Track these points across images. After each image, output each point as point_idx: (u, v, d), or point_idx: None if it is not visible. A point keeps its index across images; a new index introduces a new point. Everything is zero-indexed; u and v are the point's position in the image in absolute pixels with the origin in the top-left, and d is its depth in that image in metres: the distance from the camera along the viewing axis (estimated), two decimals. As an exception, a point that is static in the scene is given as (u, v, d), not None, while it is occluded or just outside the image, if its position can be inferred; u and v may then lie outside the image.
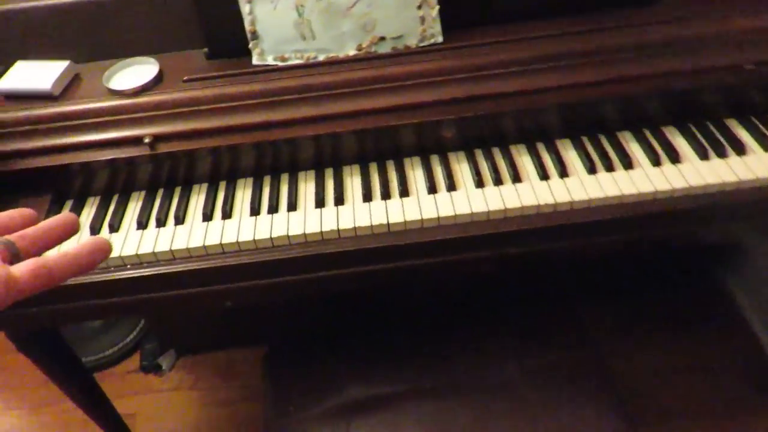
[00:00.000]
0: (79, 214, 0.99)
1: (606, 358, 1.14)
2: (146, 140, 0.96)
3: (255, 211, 0.97)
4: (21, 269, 0.40)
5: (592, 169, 0.97)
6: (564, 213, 0.94)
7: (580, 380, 1.10)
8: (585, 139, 1.03)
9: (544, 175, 0.97)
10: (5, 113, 0.98)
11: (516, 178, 0.97)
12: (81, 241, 0.46)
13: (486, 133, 1.03)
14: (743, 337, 1.46)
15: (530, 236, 0.94)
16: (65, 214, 0.46)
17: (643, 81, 0.98)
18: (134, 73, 1.03)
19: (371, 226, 0.93)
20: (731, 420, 1.44)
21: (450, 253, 0.95)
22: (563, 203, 0.93)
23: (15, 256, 0.41)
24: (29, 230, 0.43)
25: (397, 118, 0.98)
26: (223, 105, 0.99)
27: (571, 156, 1.00)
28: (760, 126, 1.01)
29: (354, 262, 0.94)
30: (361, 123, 0.98)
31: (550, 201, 0.93)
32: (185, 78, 1.02)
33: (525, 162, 1.00)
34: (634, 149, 1.00)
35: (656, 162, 0.97)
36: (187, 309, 1.58)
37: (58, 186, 1.00)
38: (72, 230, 0.45)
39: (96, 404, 1.35)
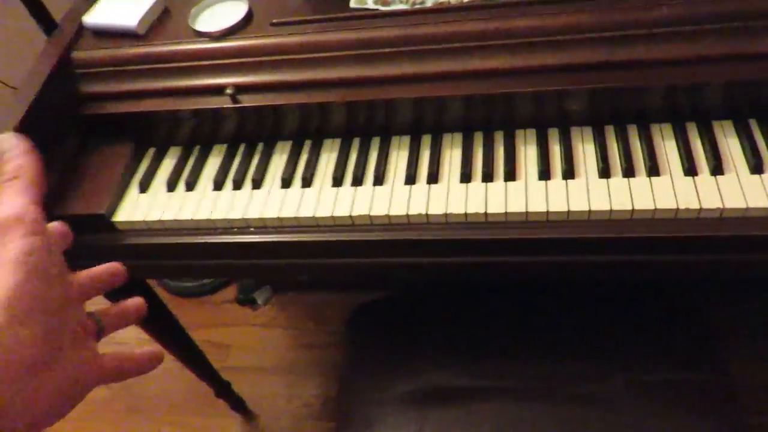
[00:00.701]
0: (158, 165, 0.94)
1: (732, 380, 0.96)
2: (228, 90, 0.87)
3: (338, 181, 0.86)
4: (108, 362, 0.40)
5: (757, 167, 0.76)
6: (712, 221, 0.75)
7: (700, 402, 0.94)
8: (753, 124, 0.81)
9: (690, 169, 0.77)
10: (89, 52, 0.93)
11: (653, 169, 0.78)
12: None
13: (622, 109, 0.83)
14: None
15: (655, 246, 0.76)
16: (137, 300, 0.47)
17: None
18: (222, 13, 0.93)
19: (465, 213, 0.79)
20: None
21: (560, 253, 0.80)
22: (711, 209, 0.74)
23: (101, 330, 0.43)
24: (113, 309, 0.45)
25: (515, 84, 0.82)
26: (312, 55, 0.86)
27: (730, 145, 0.79)
28: None
29: (442, 252, 0.82)
30: (469, 87, 0.83)
31: (691, 205, 0.74)
32: (274, 21, 0.90)
33: (668, 149, 0.80)
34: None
35: None
36: (261, 276, 1.55)
37: (140, 133, 0.94)
38: (140, 316, 0.47)
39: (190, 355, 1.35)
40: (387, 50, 0.85)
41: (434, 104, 0.85)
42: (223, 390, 1.48)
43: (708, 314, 1.02)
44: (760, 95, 0.79)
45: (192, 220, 0.86)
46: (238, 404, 1.53)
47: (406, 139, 0.89)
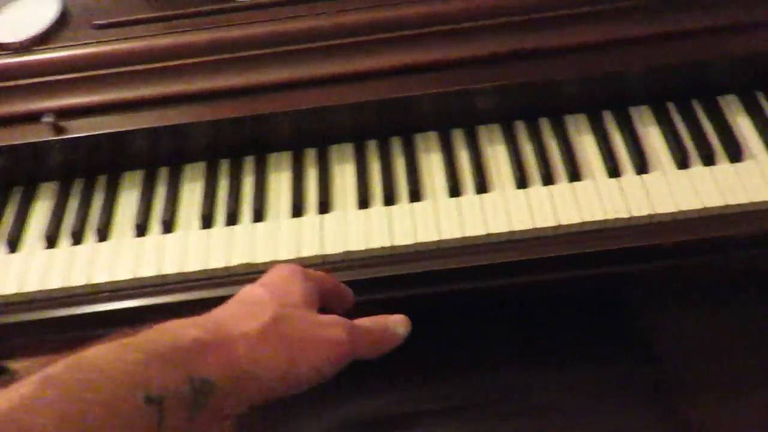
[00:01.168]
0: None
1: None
2: (46, 118, 0.67)
3: (207, 221, 0.69)
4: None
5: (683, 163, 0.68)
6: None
7: (628, 392, 0.89)
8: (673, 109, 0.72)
9: (614, 171, 0.68)
10: None
11: (574, 174, 0.68)
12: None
13: (534, 103, 0.72)
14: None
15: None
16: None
17: None
18: (26, 15, 0.71)
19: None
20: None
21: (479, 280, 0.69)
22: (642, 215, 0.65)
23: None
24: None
25: (414, 86, 0.68)
26: (152, 65, 0.68)
27: (652, 136, 0.71)
28: None
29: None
30: (359, 91, 0.68)
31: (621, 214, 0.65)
32: (97, 22, 0.70)
33: (586, 144, 0.71)
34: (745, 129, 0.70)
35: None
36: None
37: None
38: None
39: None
40: (250, 53, 0.68)
41: (318, 115, 0.70)
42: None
43: (633, 305, 0.97)
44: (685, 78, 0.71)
45: (21, 293, 0.66)
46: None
47: (287, 157, 0.73)
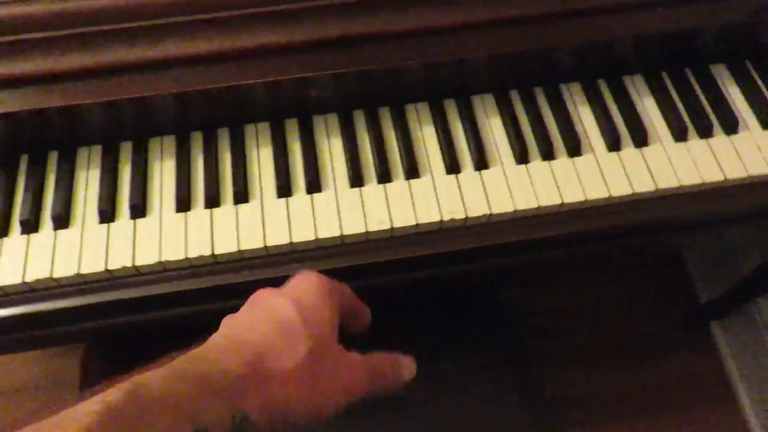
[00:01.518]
0: None
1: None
2: None
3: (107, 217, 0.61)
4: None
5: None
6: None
7: (493, 382, 0.90)
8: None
9: (452, 167, 0.65)
10: None
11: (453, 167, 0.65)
12: None
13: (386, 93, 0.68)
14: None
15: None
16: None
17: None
18: None
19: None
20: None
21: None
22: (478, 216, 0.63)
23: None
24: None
25: (234, 75, 0.61)
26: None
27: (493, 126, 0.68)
28: None
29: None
30: (167, 83, 0.61)
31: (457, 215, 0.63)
32: None
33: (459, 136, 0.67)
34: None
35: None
36: None
37: None
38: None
39: None
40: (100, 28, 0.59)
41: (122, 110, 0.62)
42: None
43: (498, 296, 0.97)
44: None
45: None
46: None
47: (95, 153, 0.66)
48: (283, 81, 0.63)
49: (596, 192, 0.63)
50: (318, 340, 0.39)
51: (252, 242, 0.60)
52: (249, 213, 0.62)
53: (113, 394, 0.31)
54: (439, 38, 0.64)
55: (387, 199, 0.63)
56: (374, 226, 0.61)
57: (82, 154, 0.66)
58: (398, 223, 0.61)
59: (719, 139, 0.67)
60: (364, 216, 0.62)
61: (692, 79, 0.71)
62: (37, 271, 0.59)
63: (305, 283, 0.42)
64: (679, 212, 0.65)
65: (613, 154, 0.66)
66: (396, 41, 0.63)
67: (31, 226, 0.61)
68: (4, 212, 0.62)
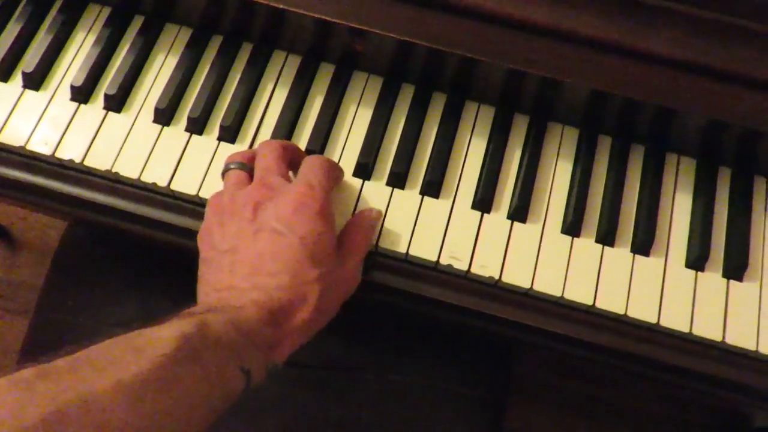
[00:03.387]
0: None
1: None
2: None
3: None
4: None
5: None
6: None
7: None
8: None
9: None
10: None
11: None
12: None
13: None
14: None
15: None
16: None
17: None
18: None
19: None
20: None
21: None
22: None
23: None
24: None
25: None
26: None
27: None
28: None
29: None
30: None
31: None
32: None
33: (676, 208, 0.52)
34: None
35: None
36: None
37: None
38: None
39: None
40: None
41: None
42: None
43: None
44: None
45: None
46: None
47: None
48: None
49: None
50: (325, 270, 0.44)
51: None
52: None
53: (187, 326, 0.37)
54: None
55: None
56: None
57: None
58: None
59: None
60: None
61: None
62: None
63: (305, 198, 0.44)
64: None
65: None
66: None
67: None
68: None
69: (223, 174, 0.49)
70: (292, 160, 0.50)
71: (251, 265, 0.43)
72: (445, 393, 0.77)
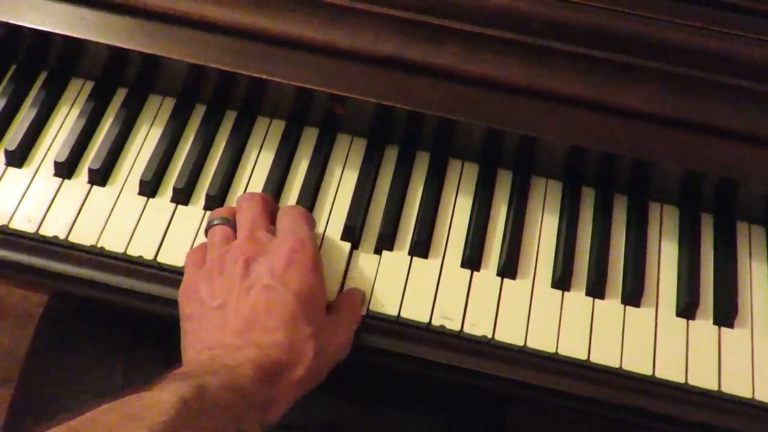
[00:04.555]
0: None
1: None
2: None
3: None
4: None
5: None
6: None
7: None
8: None
9: (684, 306, 0.51)
10: None
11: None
12: None
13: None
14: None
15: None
16: None
17: None
18: None
19: None
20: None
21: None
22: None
23: None
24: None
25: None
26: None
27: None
28: None
29: None
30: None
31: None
32: None
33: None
34: None
35: None
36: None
37: None
38: None
39: None
40: None
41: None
42: None
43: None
44: None
45: None
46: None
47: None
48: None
49: None
50: (318, 327, 0.44)
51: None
52: (424, 274, 0.51)
53: (185, 389, 0.36)
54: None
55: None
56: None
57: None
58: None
59: None
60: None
61: None
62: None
63: (297, 254, 0.44)
64: None
65: None
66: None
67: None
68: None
69: (207, 230, 0.49)
70: (271, 212, 0.50)
71: (245, 322, 0.43)
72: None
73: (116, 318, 0.78)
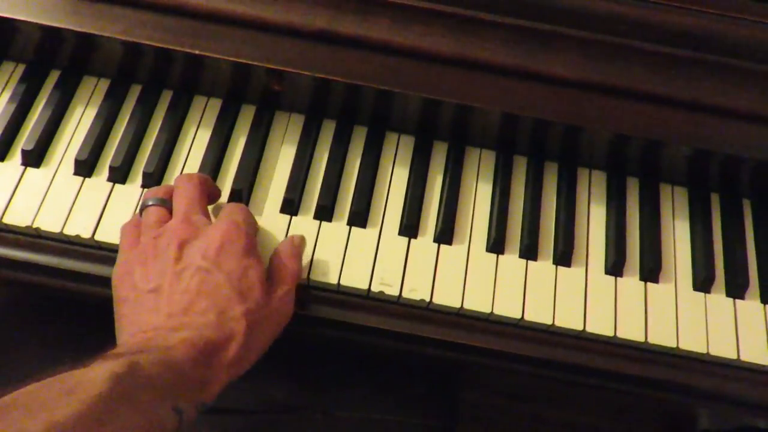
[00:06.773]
0: None
1: None
2: None
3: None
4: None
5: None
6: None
7: None
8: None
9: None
10: None
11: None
12: None
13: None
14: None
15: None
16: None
17: None
18: None
19: None
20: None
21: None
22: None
23: None
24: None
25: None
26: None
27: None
28: None
29: None
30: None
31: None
32: None
33: (592, 219, 0.55)
34: None
35: None
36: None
37: None
38: None
39: None
40: None
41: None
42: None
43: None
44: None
45: None
46: None
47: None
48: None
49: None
50: (253, 305, 0.44)
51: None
52: (363, 243, 0.52)
53: (118, 366, 0.37)
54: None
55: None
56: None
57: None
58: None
59: None
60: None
61: None
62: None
63: (231, 236, 0.45)
64: None
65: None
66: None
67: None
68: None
69: (142, 210, 0.49)
70: (209, 194, 0.50)
71: (178, 305, 0.43)
72: (395, 425, 0.77)
73: (62, 309, 0.78)
